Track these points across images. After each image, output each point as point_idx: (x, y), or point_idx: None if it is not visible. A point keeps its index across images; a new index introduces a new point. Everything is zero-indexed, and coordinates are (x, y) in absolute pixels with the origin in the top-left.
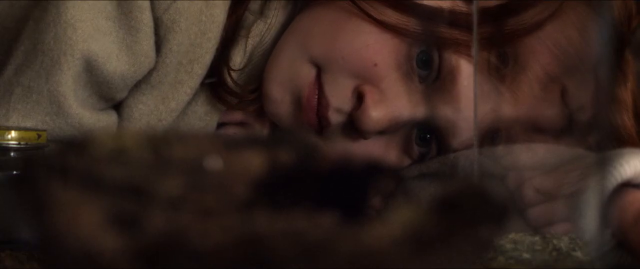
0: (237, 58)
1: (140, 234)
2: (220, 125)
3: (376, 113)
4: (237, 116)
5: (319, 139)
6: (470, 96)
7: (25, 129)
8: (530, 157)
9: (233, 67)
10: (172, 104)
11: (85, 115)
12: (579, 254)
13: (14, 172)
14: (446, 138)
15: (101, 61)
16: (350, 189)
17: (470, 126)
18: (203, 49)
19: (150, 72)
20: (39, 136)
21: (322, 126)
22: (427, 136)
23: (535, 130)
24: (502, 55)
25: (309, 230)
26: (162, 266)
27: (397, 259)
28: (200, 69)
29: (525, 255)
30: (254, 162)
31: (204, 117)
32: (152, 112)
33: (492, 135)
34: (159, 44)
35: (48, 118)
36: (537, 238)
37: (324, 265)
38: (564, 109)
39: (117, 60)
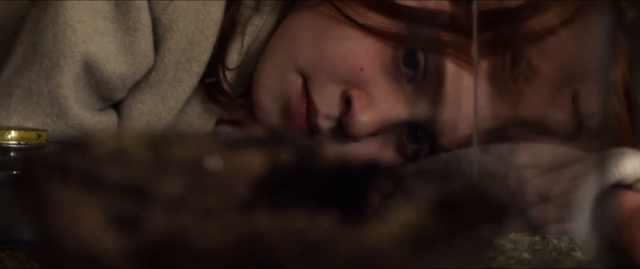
0: (235, 55)
1: (140, 234)
2: (219, 122)
3: (365, 117)
4: (235, 113)
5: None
6: (458, 95)
7: (25, 129)
8: (530, 157)
9: (230, 65)
10: (171, 103)
11: (86, 116)
12: (579, 254)
13: (14, 172)
14: (437, 136)
15: (100, 62)
16: (350, 189)
17: (460, 124)
18: (201, 47)
19: (149, 72)
20: (39, 136)
21: (312, 132)
22: (419, 134)
23: (543, 132)
24: (514, 57)
25: (309, 230)
26: (162, 266)
27: (397, 259)
28: (198, 67)
29: (525, 255)
30: (254, 162)
31: (203, 115)
32: (151, 111)
33: (492, 137)
34: (157, 44)
35: (49, 120)
36: (537, 238)
37: (324, 265)
38: (575, 113)
39: (116, 61)
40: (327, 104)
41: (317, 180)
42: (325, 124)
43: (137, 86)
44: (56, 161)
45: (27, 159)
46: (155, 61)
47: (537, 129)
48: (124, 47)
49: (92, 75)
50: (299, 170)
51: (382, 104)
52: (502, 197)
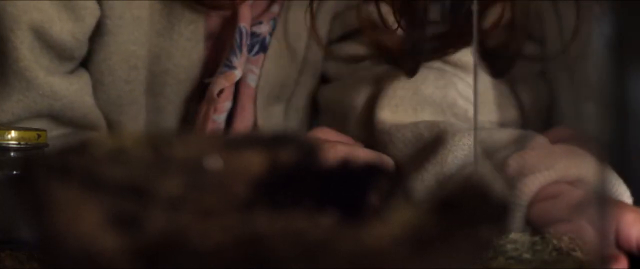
0: None
1: (140, 234)
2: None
3: None
4: (224, 5)
5: None
6: None
7: (25, 129)
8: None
9: None
10: (142, 39)
11: (55, 81)
12: (578, 254)
13: (14, 172)
14: None
15: (46, 26)
16: (350, 189)
17: None
18: None
19: (104, 22)
20: (39, 136)
21: None
22: None
23: None
24: None
25: (309, 230)
26: (162, 266)
27: (397, 259)
28: None
29: (525, 255)
30: (254, 162)
31: (191, 37)
32: (129, 57)
33: None
34: None
35: (22, 96)
36: (537, 238)
37: (324, 265)
38: None
39: (60, 21)
40: None
41: (317, 180)
42: None
43: (102, 40)
44: (56, 161)
45: (27, 159)
46: (104, 9)
47: None
48: (63, 6)
49: (43, 41)
50: (299, 170)
51: None
52: (502, 197)
